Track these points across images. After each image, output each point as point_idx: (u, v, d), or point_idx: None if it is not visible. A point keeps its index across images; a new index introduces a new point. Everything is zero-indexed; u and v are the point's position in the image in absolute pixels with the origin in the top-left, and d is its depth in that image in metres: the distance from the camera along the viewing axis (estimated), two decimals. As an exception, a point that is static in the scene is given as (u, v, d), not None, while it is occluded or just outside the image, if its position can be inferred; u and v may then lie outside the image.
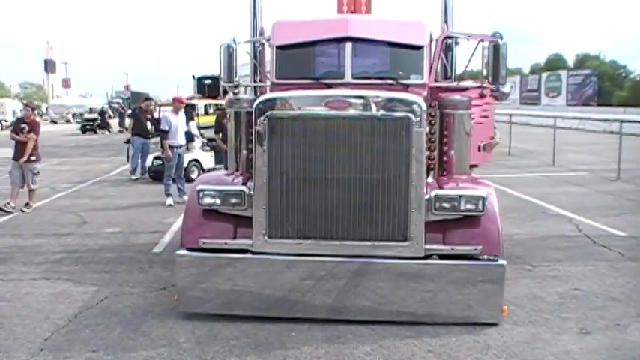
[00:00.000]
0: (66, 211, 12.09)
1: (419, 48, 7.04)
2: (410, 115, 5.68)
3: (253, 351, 5.37)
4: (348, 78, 6.77)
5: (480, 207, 5.77)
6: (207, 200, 6.01)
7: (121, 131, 37.23)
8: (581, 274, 7.47)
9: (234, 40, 7.34)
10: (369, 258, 5.74)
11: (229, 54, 7.24)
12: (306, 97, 6.02)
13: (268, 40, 7.56)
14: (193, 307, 6.03)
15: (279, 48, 7.18)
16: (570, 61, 69.52)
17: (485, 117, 7.69)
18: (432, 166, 6.69)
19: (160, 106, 22.72)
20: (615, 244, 8.88)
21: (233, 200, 5.99)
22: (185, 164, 13.73)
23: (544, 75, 65.67)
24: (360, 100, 5.78)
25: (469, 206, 5.79)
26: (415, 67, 7.02)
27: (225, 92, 8.54)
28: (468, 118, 6.90)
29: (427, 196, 5.78)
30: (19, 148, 11.96)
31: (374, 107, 5.75)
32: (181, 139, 12.81)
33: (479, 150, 7.63)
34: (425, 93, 6.62)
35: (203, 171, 15.06)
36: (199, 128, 17.63)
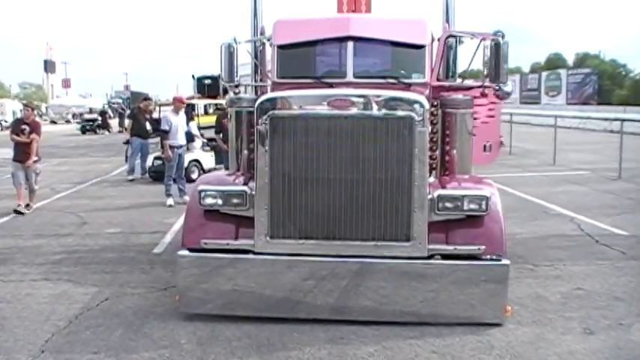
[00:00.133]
0: (66, 211, 12.07)
1: (421, 47, 7.01)
2: (412, 114, 5.65)
3: (255, 352, 5.34)
4: (350, 77, 6.74)
5: (484, 207, 5.74)
6: (209, 200, 5.98)
7: (120, 131, 37.22)
8: (584, 273, 7.45)
9: (235, 40, 7.31)
10: (372, 258, 5.71)
11: (230, 53, 7.21)
12: (308, 97, 5.99)
13: (269, 40, 7.53)
14: (195, 307, 5.99)
15: (281, 47, 7.15)
16: (570, 60, 69.61)
17: (492, 116, 7.64)
18: (434, 165, 6.67)
19: (160, 106, 22.70)
20: (617, 243, 8.85)
21: (235, 200, 5.95)
22: (185, 164, 13.70)
23: (544, 74, 65.67)
24: (363, 100, 5.73)
25: (472, 206, 5.76)
26: (417, 66, 6.99)
27: (225, 92, 8.52)
28: (470, 118, 6.88)
29: (430, 196, 5.75)
30: (21, 149, 11.87)
31: (376, 106, 5.71)
32: (182, 139, 12.79)
33: (484, 150, 7.59)
34: (427, 92, 6.59)
35: (203, 171, 15.02)
36: (199, 128, 17.60)
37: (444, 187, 6.04)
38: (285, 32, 7.23)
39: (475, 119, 7.17)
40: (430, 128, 6.12)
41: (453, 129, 6.80)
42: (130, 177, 16.59)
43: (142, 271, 7.74)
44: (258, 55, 8.25)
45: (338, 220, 5.74)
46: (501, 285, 5.72)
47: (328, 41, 7.15)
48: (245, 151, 6.81)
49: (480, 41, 7.06)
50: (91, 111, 51.68)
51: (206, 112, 28.73)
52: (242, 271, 5.85)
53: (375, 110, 5.71)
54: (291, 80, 6.82)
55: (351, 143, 5.67)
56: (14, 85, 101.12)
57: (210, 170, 14.49)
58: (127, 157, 17.74)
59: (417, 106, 5.69)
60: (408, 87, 6.54)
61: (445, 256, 5.79)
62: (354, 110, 5.70)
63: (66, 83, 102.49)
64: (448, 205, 5.78)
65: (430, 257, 5.76)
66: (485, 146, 7.61)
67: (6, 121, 49.69)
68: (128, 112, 29.19)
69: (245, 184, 6.14)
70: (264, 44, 8.19)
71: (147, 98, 21.15)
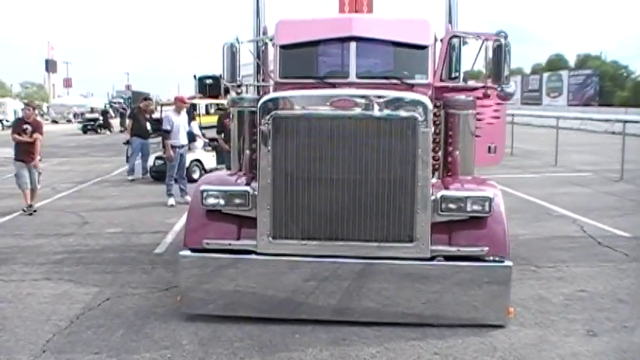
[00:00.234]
0: (67, 211, 12.04)
1: (423, 47, 7.00)
2: (416, 115, 5.62)
3: (257, 353, 5.32)
4: (353, 78, 6.73)
5: (487, 208, 5.72)
6: (211, 200, 5.96)
7: (122, 131, 37.15)
8: (587, 275, 7.42)
9: (237, 39, 7.28)
10: (375, 259, 5.69)
11: (232, 53, 7.19)
12: (310, 97, 5.96)
13: (271, 40, 7.51)
14: (196, 308, 5.97)
15: (283, 47, 7.13)
16: (571, 62, 69.49)
17: (497, 117, 7.61)
18: (436, 166, 6.64)
19: (161, 105, 22.69)
20: (620, 244, 8.83)
21: (237, 200, 5.93)
22: (187, 164, 13.68)
23: (545, 75, 65.66)
24: (366, 100, 5.70)
25: (476, 207, 5.73)
26: (420, 67, 6.98)
27: (227, 92, 8.51)
28: (473, 118, 6.86)
29: (433, 197, 5.73)
30: (24, 149, 11.81)
31: (380, 107, 5.68)
32: (183, 139, 12.76)
33: (489, 151, 7.56)
34: (429, 93, 6.57)
35: (205, 171, 15.02)
36: (200, 128, 17.59)
37: (447, 188, 6.01)
38: (287, 32, 7.21)
39: (480, 120, 7.15)
40: (433, 129, 6.10)
41: (455, 130, 6.77)
42: (131, 177, 16.57)
43: (144, 272, 7.72)
44: (260, 55, 8.23)
45: (341, 221, 5.72)
46: (504, 286, 5.69)
47: (331, 41, 7.14)
48: (247, 151, 6.79)
49: (483, 42, 7.04)
50: (92, 111, 51.65)
51: (207, 112, 28.73)
52: (244, 272, 5.83)
53: (378, 111, 5.69)
54: (293, 80, 6.80)
55: (354, 144, 5.64)
56: (16, 85, 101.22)
57: (211, 170, 14.47)
58: (127, 157, 17.72)
59: (420, 106, 5.67)
60: (410, 87, 6.52)
61: (448, 257, 5.77)
62: (357, 111, 5.68)
63: (67, 83, 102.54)
64: (451, 206, 5.76)
65: (433, 258, 5.73)
66: (490, 147, 7.58)
67: (7, 121, 49.67)
68: (129, 112, 29.17)
69: (247, 184, 6.11)
70: (266, 44, 8.17)
71: (147, 98, 21.14)
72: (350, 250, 5.72)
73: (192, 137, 14.22)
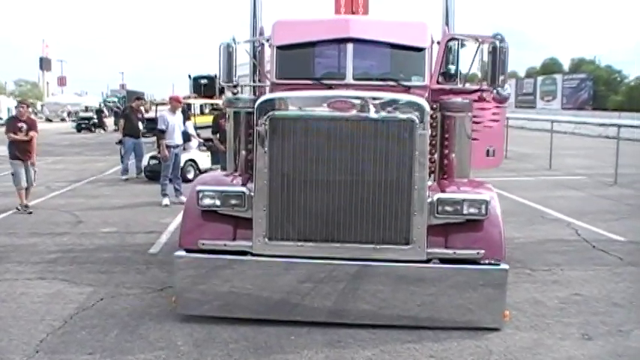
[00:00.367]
0: (61, 210, 11.99)
1: (420, 50, 7.01)
2: (413, 117, 5.62)
3: (252, 355, 5.30)
4: (349, 79, 6.72)
5: (483, 211, 5.72)
6: (207, 201, 5.93)
7: (116, 130, 37.04)
8: (582, 278, 7.43)
9: (234, 40, 7.27)
10: (371, 261, 5.67)
11: (229, 53, 7.18)
12: (308, 98, 5.94)
13: (268, 40, 7.49)
14: (192, 309, 5.94)
15: (280, 48, 7.12)
16: (566, 66, 69.82)
17: (496, 121, 7.61)
18: (432, 168, 6.63)
19: (156, 105, 22.65)
20: (614, 248, 8.85)
21: (233, 201, 5.91)
22: (181, 164, 13.64)
23: (539, 79, 65.97)
24: (363, 102, 5.69)
25: (472, 210, 5.73)
26: (416, 69, 6.98)
27: (221, 92, 8.49)
28: (470, 121, 6.86)
29: (430, 200, 5.72)
30: (21, 147, 11.73)
31: (377, 109, 5.67)
32: (178, 139, 12.72)
33: (487, 154, 7.56)
34: (426, 95, 6.56)
35: (199, 171, 14.99)
36: (195, 128, 17.56)
37: (443, 191, 6.01)
38: (284, 33, 7.20)
39: (478, 123, 7.16)
40: (430, 131, 6.10)
41: (452, 132, 6.77)
42: (124, 177, 16.51)
43: (138, 272, 7.68)
44: (257, 56, 8.21)
45: (337, 223, 5.70)
46: (500, 290, 5.69)
47: (328, 42, 7.12)
48: (243, 152, 6.77)
49: (479, 45, 7.05)
50: (86, 109, 51.49)
51: (202, 112, 28.71)
52: (239, 273, 5.80)
53: (374, 112, 5.67)
54: (290, 81, 6.78)
55: (351, 145, 5.63)
56: (10, 83, 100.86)
57: (206, 170, 14.44)
58: (122, 156, 17.67)
59: (417, 108, 5.67)
60: (407, 90, 6.52)
61: (443, 260, 5.77)
62: (354, 112, 5.67)
63: (62, 81, 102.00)
64: (448, 208, 5.76)
65: (429, 261, 5.73)
66: (488, 151, 7.58)
67: (1, 118, 49.47)
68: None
69: (243, 185, 6.09)
70: (262, 45, 8.15)
71: (139, 98, 21.13)
72: (346, 252, 5.71)
73: (187, 137, 14.18)
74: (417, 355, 5.30)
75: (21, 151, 11.73)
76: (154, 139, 15.05)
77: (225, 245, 5.87)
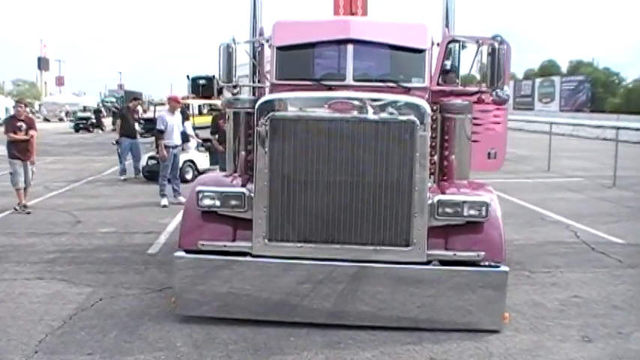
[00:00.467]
0: (60, 210, 11.97)
1: (421, 51, 6.99)
2: (414, 118, 5.62)
3: (252, 356, 5.29)
4: (349, 80, 6.70)
5: (484, 213, 5.71)
6: (207, 202, 5.92)
7: (114, 130, 37.00)
8: (581, 281, 7.43)
9: (233, 40, 7.25)
10: (371, 263, 5.66)
11: (229, 54, 7.16)
12: (308, 99, 5.94)
13: (268, 41, 7.48)
14: (191, 310, 5.93)
15: (280, 49, 7.10)
16: (564, 68, 69.72)
17: (497, 123, 7.59)
18: (432, 170, 6.63)
19: (155, 105, 22.64)
20: (614, 251, 8.85)
21: (233, 202, 5.90)
22: (180, 164, 13.62)
23: (538, 81, 65.84)
24: (363, 103, 5.69)
25: (472, 212, 5.73)
26: (417, 71, 6.97)
27: (220, 93, 8.46)
28: (470, 123, 6.86)
29: (430, 201, 5.72)
30: (21, 147, 11.70)
31: (377, 110, 5.66)
32: (177, 139, 12.70)
33: (488, 157, 7.54)
34: (426, 96, 6.56)
35: (198, 171, 14.97)
36: (193, 128, 17.55)
37: (443, 193, 6.01)
38: (284, 34, 7.18)
39: (479, 125, 7.15)
40: (430, 133, 6.09)
41: (452, 134, 6.78)
42: (123, 177, 16.49)
43: (137, 272, 7.67)
44: (256, 56, 8.19)
45: (337, 224, 5.70)
46: (500, 292, 5.69)
47: (328, 43, 7.10)
48: (242, 153, 6.76)
49: (479, 46, 7.05)
50: (84, 109, 51.41)
51: (200, 113, 28.68)
52: (239, 274, 5.79)
53: (373, 114, 5.67)
54: (289, 82, 6.76)
55: (352, 146, 5.63)
56: (7, 82, 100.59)
57: (204, 171, 14.42)
58: (120, 157, 17.63)
59: (418, 110, 5.67)
60: (407, 91, 6.52)
61: (443, 262, 5.76)
62: (355, 113, 5.66)
63: (60, 81, 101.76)
64: (448, 210, 5.75)
65: (429, 263, 5.72)
66: (490, 153, 7.56)
67: (-1, 118, 49.38)
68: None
69: (243, 185, 6.08)
70: (262, 45, 8.13)
71: (136, 98, 21.15)
72: (346, 253, 5.70)
73: (185, 137, 14.17)
74: (417, 356, 5.30)
75: (20, 150, 11.70)
76: (153, 139, 15.03)
77: (224, 246, 5.86)
